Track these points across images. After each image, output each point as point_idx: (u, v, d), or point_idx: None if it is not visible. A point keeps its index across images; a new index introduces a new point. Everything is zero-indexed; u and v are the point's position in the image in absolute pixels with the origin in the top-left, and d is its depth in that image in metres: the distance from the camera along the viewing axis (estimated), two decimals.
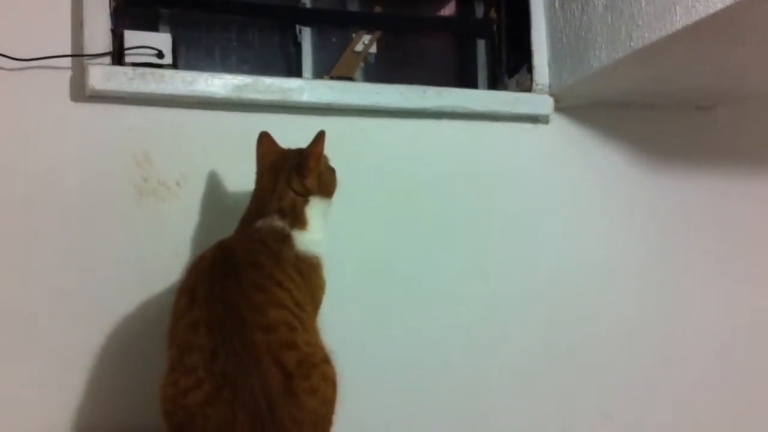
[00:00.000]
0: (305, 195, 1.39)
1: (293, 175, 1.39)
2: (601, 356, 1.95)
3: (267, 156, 1.46)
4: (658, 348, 2.01)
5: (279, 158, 1.44)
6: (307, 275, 1.33)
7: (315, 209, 1.40)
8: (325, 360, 1.24)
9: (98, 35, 1.55)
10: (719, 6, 1.39)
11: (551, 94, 1.92)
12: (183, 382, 1.17)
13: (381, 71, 1.97)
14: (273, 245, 1.32)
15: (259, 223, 1.36)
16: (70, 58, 1.54)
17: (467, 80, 2.09)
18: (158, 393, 1.20)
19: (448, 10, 2.17)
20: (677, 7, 1.49)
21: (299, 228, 1.37)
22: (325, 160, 1.45)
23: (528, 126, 1.94)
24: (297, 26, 1.90)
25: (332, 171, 1.47)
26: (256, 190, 1.44)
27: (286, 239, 1.34)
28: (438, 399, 1.79)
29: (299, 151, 1.43)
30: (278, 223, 1.36)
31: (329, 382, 1.23)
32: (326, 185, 1.44)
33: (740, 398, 2.07)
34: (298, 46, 1.90)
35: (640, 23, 1.59)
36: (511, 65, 2.02)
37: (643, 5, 1.58)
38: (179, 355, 1.19)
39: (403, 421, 1.75)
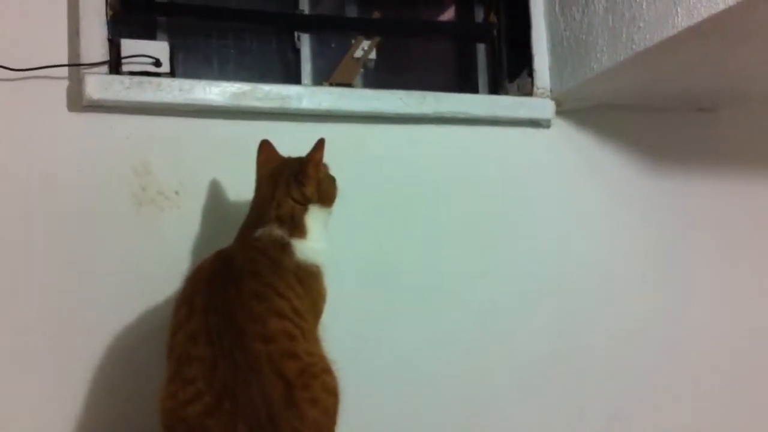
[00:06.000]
0: (304, 203, 1.38)
1: (292, 183, 1.38)
2: (607, 359, 1.94)
3: (267, 164, 1.44)
4: (664, 350, 2.00)
5: (278, 166, 1.42)
6: (308, 284, 1.32)
7: (314, 218, 1.38)
8: (326, 370, 1.22)
9: (95, 44, 1.54)
10: (721, 7, 1.38)
11: (552, 98, 1.91)
12: (182, 394, 1.15)
13: (380, 77, 1.97)
14: (272, 254, 1.31)
15: (258, 232, 1.35)
16: (66, 68, 1.53)
17: (467, 85, 2.08)
18: (158, 405, 1.19)
19: (448, 15, 2.16)
20: (678, 9, 1.48)
21: (299, 237, 1.35)
22: (325, 168, 1.44)
23: (529, 130, 1.92)
24: (296, 33, 1.89)
25: (332, 180, 1.46)
26: (255, 198, 1.43)
27: (285, 248, 1.33)
28: (442, 405, 1.77)
29: (299, 159, 1.42)
30: (277, 231, 1.34)
31: (330, 392, 1.21)
32: (326, 194, 1.42)
33: (747, 399, 2.06)
34: (296, 53, 1.89)
35: (641, 25, 1.58)
36: (511, 69, 2.00)
37: (644, 7, 1.57)
38: (178, 367, 1.18)
39: (404, 426, 1.73)
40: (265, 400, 1.14)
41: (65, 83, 1.54)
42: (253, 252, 1.31)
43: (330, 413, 1.21)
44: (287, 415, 1.15)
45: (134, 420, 1.45)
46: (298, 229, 1.36)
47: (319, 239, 1.39)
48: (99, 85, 1.51)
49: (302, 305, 1.26)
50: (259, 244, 1.33)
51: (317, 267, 1.35)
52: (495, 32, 2.05)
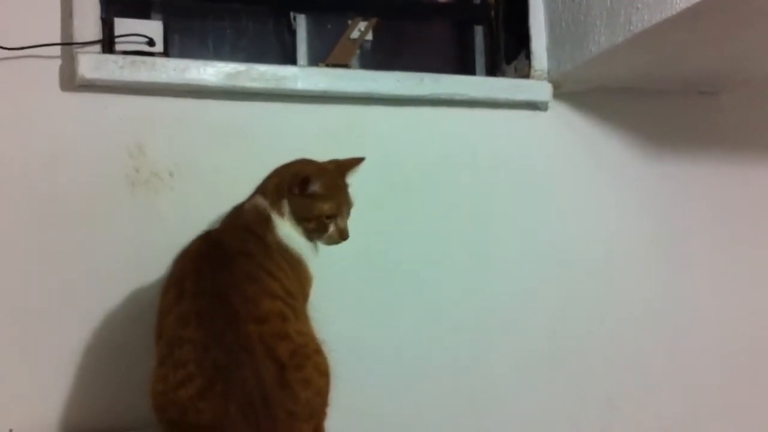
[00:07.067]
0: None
1: (284, 183, 1.35)
2: (606, 345, 1.94)
3: (314, 166, 1.40)
4: (663, 336, 2.00)
5: (296, 163, 1.40)
6: (294, 268, 1.31)
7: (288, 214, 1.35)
8: (318, 351, 1.22)
9: (88, 23, 1.53)
10: None
11: (550, 81, 1.90)
12: (173, 377, 1.15)
13: (377, 58, 1.95)
14: (257, 230, 1.30)
15: (246, 206, 1.35)
16: (59, 47, 1.52)
17: (465, 67, 2.07)
18: (148, 388, 1.18)
19: None
20: None
21: (277, 212, 1.33)
22: (318, 197, 1.36)
23: (527, 113, 1.91)
24: (292, 13, 1.87)
25: (310, 209, 1.35)
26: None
27: (267, 222, 1.31)
28: (440, 392, 1.78)
29: (299, 166, 1.39)
30: (260, 201, 1.34)
31: (322, 372, 1.21)
32: (297, 215, 1.35)
33: (746, 386, 2.06)
34: (292, 34, 1.88)
35: (639, 6, 1.56)
36: (509, 51, 1.99)
37: None
38: (169, 350, 1.17)
39: (405, 413, 1.74)
40: (258, 381, 1.14)
41: (58, 62, 1.53)
42: (241, 232, 1.30)
43: (322, 394, 1.21)
44: (280, 397, 1.14)
45: (129, 401, 1.45)
46: (277, 205, 1.34)
47: (296, 232, 1.35)
48: (92, 64, 1.50)
49: (291, 285, 1.26)
50: (243, 221, 1.32)
51: (299, 255, 1.33)
52: (492, 14, 2.03)
